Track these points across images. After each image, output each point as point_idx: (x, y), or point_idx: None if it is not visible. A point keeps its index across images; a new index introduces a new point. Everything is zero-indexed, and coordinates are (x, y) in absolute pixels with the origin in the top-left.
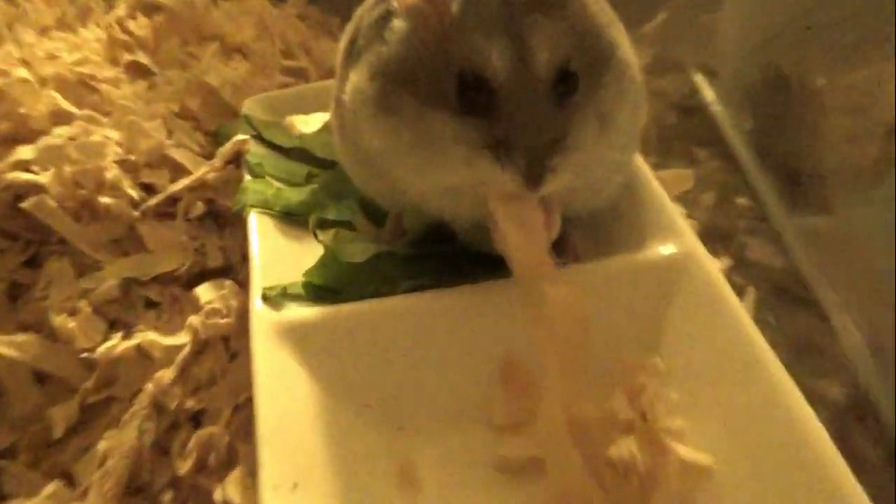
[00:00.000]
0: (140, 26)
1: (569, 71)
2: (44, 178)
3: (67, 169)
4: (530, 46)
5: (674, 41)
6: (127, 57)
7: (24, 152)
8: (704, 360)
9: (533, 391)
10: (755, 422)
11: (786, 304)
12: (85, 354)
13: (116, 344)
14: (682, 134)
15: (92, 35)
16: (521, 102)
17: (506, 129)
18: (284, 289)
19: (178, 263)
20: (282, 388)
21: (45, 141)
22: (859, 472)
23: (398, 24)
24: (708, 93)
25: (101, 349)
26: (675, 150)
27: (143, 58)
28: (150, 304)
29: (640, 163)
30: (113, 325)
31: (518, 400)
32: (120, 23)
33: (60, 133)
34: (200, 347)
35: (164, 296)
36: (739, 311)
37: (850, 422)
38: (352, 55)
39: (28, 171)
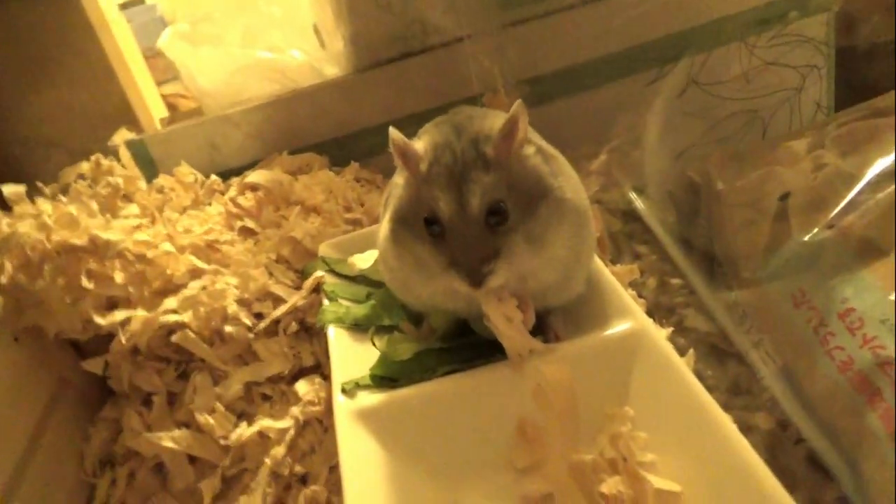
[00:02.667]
0: (247, 200)
1: (499, 208)
2: (185, 317)
3: (202, 310)
4: (466, 194)
5: (615, 172)
6: (239, 223)
7: (171, 303)
8: (663, 406)
9: (542, 442)
10: (704, 452)
11: (717, 358)
12: (222, 441)
13: (243, 431)
14: (627, 237)
15: (215, 210)
16: (462, 233)
17: (454, 251)
18: (357, 382)
19: (283, 367)
20: (359, 456)
21: (184, 293)
22: (787, 482)
23: (398, 179)
24: (641, 205)
25: (233, 436)
26: (624, 249)
27: (249, 223)
28: (265, 398)
29: (599, 263)
30: (240, 417)
31: (532, 449)
32: (233, 200)
33: (195, 285)
34: (302, 428)
35: (275, 391)
36: (683, 368)
37: (778, 443)
38: (385, 207)
39: (174, 313)
